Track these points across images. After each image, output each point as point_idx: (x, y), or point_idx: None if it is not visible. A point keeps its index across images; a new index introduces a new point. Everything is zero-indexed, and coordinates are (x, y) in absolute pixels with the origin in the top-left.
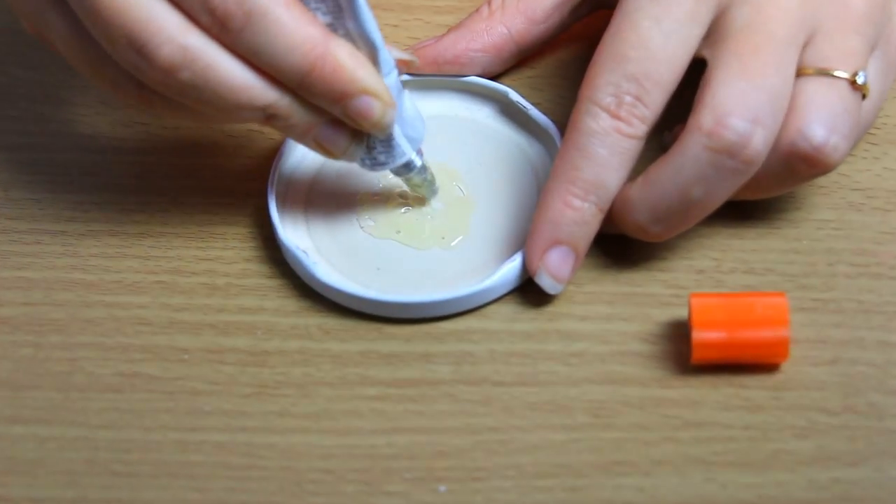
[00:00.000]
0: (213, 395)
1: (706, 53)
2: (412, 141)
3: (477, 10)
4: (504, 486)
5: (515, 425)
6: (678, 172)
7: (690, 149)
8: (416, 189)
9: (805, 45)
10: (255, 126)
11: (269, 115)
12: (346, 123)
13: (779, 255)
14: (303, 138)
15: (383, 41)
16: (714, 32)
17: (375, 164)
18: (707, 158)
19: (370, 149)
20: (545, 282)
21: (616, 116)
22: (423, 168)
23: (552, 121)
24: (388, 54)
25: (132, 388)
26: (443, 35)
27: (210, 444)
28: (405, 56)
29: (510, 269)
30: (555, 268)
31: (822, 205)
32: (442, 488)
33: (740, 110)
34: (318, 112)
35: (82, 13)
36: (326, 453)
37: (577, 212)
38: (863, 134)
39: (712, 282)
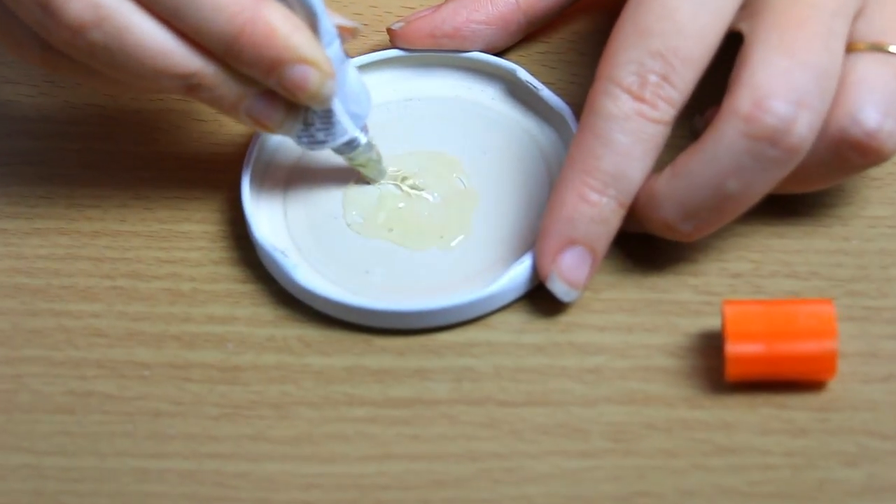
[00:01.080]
0: (177, 417)
1: (743, 26)
2: (355, 118)
3: None
4: None
5: (524, 451)
6: (711, 162)
7: (726, 136)
8: (362, 169)
9: (856, 17)
10: None
11: (191, 86)
12: (280, 94)
13: (825, 257)
14: (232, 112)
15: (324, 6)
16: (752, 2)
17: (313, 143)
18: (744, 147)
19: (308, 125)
20: (558, 288)
21: (639, 98)
22: (369, 146)
23: (566, 102)
24: (330, 21)
25: (85, 408)
26: (440, 5)
27: (174, 472)
28: (348, 23)
29: (518, 272)
30: (569, 272)
31: (874, 199)
32: None
33: (783, 91)
34: (248, 83)
35: None
36: (307, 483)
37: (595, 207)
38: None
39: (749, 287)
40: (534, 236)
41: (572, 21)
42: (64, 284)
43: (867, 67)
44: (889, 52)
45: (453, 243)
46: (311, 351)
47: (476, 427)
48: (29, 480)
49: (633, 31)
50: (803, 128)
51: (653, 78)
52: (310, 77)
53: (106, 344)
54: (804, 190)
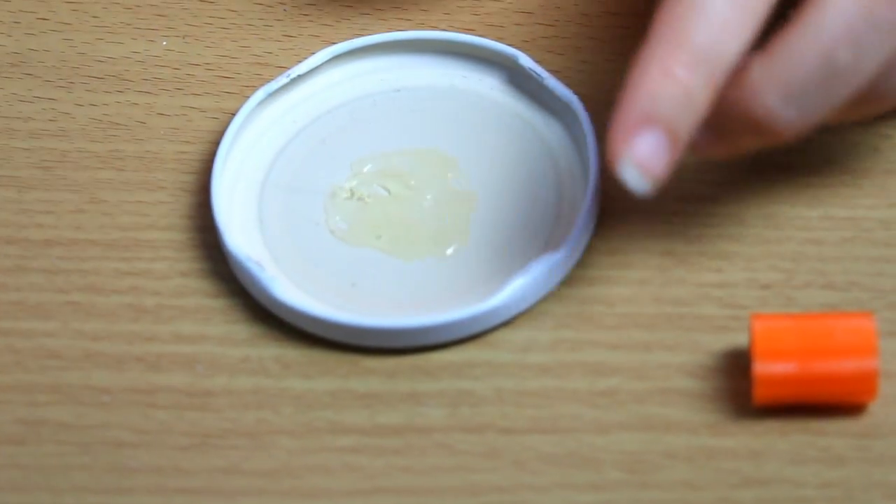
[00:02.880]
0: (141, 448)
1: None
2: None
3: None
4: None
5: (529, 484)
6: (819, 32)
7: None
8: None
9: None
10: (193, 102)
11: None
12: None
13: (865, 265)
14: None
15: None
16: None
17: None
18: (857, 8)
19: None
20: (629, 174)
21: None
22: None
23: (574, 92)
24: None
25: (37, 438)
26: None
27: None
28: None
29: (521, 284)
30: (645, 156)
31: None
32: None
33: None
34: None
35: None
36: None
37: (681, 85)
38: None
39: (781, 299)
40: (538, 243)
41: (581, 1)
42: (12, 300)
43: None
44: None
45: (449, 251)
46: (291, 373)
47: (475, 457)
48: None
49: None
50: None
51: None
52: None
53: (60, 366)
54: None
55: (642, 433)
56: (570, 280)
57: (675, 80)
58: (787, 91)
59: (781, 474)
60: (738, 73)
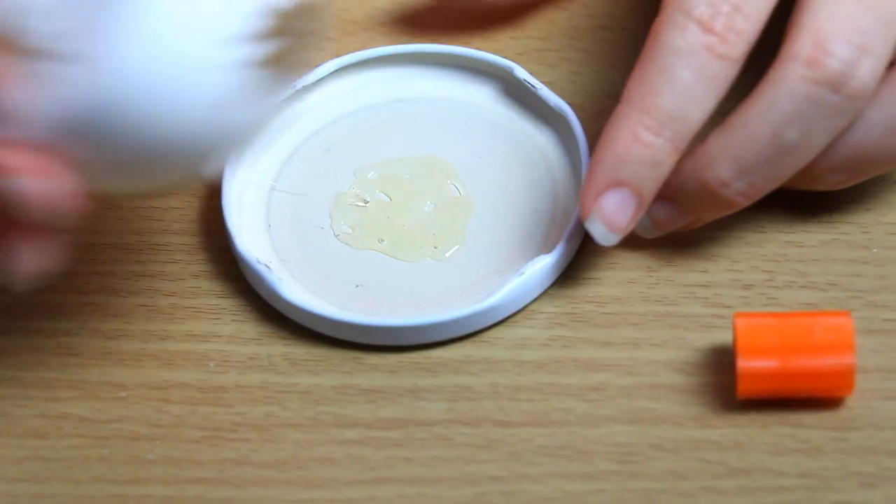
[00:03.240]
0: (156, 441)
1: None
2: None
3: None
4: None
5: (524, 474)
6: (769, 111)
7: (784, 81)
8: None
9: None
10: None
11: None
12: None
13: (844, 266)
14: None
15: None
16: None
17: None
18: (805, 91)
19: None
20: (597, 230)
21: (709, 30)
22: None
23: (567, 102)
24: None
25: (58, 432)
26: None
27: (154, 499)
28: None
29: (517, 284)
30: (611, 213)
31: (895, 204)
32: None
33: (846, 35)
34: None
35: None
36: None
37: (648, 149)
38: None
39: (763, 299)
40: (533, 246)
41: (572, 16)
42: (34, 301)
43: None
44: None
45: (448, 254)
46: (298, 370)
47: (473, 449)
48: None
49: None
50: (866, 73)
51: (725, 8)
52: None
53: (79, 364)
54: (890, 162)
55: (631, 426)
56: (563, 281)
57: (642, 144)
58: (738, 164)
59: (763, 464)
60: (696, 146)
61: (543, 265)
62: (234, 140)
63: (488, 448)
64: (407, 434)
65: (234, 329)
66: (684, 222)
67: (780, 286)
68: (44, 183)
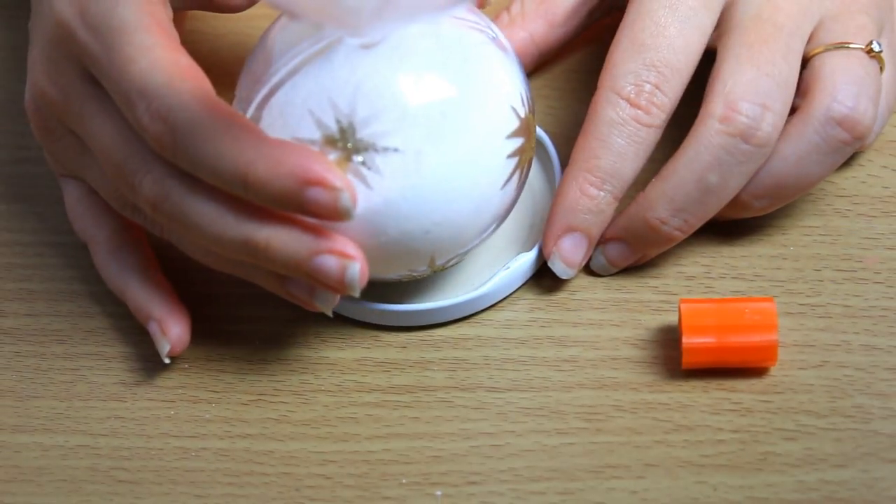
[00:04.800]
0: (212, 403)
1: (716, 43)
2: None
3: (497, 16)
4: (499, 490)
5: (509, 430)
6: (693, 160)
7: (704, 136)
8: None
9: (814, 32)
10: None
11: (249, 251)
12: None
13: (767, 261)
14: (294, 272)
15: None
16: (724, 23)
17: None
18: (721, 143)
19: None
20: (558, 267)
21: (636, 105)
22: None
23: (545, 131)
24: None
25: (134, 396)
26: None
27: (210, 450)
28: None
29: (503, 277)
30: (567, 253)
31: (808, 211)
32: (438, 493)
33: (751, 96)
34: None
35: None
36: (324, 459)
37: (593, 200)
38: (890, 113)
39: (702, 288)
40: (516, 245)
41: (546, 62)
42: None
43: (835, 62)
44: (850, 48)
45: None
46: (327, 345)
47: (468, 410)
48: (86, 459)
49: (629, 46)
50: (768, 125)
51: (648, 87)
52: (323, 198)
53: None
54: (805, 187)
55: (596, 391)
56: (540, 273)
57: (588, 197)
58: (673, 205)
59: (703, 422)
60: (640, 194)
61: (525, 260)
62: (504, 218)
63: (481, 409)
64: (415, 398)
65: (275, 313)
66: (634, 259)
67: (715, 277)
68: (354, 266)
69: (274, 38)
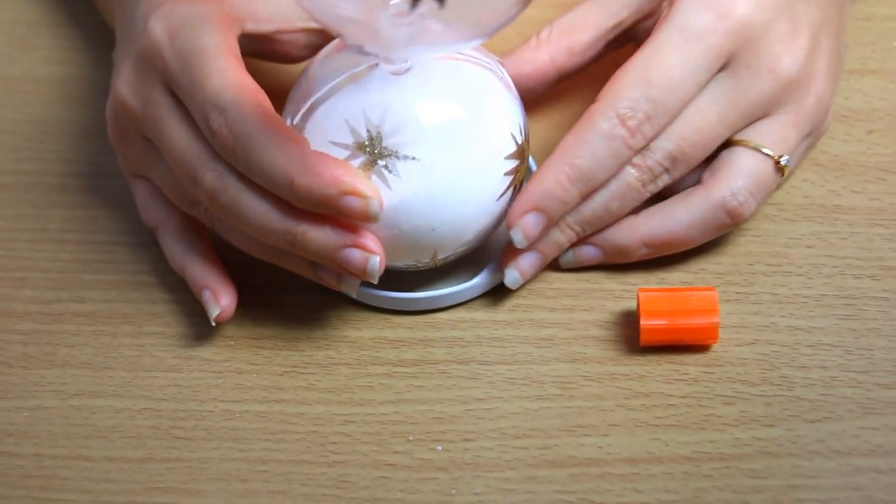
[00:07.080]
0: (253, 374)
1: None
2: None
3: (527, 40)
4: (489, 445)
5: (497, 396)
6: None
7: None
8: None
9: (757, 121)
10: None
11: (289, 241)
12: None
13: (710, 257)
14: (326, 261)
15: None
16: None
17: None
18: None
19: None
20: (516, 236)
21: (626, 126)
22: None
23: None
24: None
25: (189, 368)
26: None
27: (252, 413)
28: None
29: (490, 271)
30: (528, 228)
31: None
32: (439, 447)
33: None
34: (331, 238)
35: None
36: (345, 420)
37: (564, 192)
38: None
39: (657, 279)
40: (495, 251)
41: (527, 91)
42: (174, 280)
43: (746, 159)
44: (764, 154)
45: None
46: (347, 326)
47: (464, 380)
48: (150, 419)
49: (638, 77)
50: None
51: (641, 115)
52: (355, 205)
53: (203, 322)
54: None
55: (570, 364)
56: None
57: (561, 187)
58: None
59: (657, 390)
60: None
61: None
62: (497, 225)
63: (474, 379)
64: (420, 370)
65: (303, 299)
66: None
67: (667, 270)
68: (375, 259)
69: (315, 68)
